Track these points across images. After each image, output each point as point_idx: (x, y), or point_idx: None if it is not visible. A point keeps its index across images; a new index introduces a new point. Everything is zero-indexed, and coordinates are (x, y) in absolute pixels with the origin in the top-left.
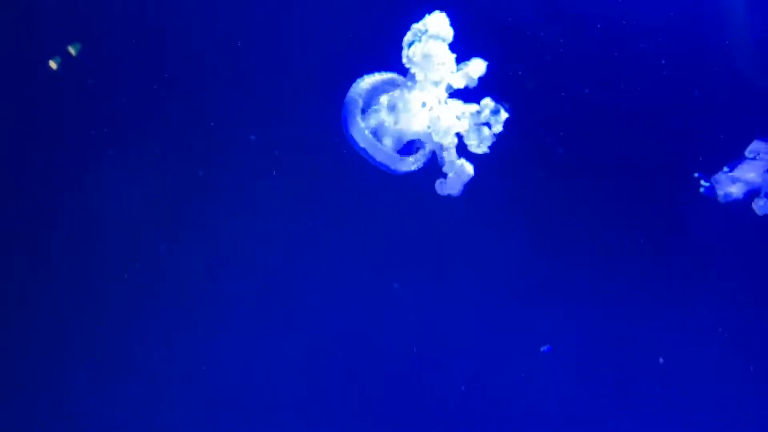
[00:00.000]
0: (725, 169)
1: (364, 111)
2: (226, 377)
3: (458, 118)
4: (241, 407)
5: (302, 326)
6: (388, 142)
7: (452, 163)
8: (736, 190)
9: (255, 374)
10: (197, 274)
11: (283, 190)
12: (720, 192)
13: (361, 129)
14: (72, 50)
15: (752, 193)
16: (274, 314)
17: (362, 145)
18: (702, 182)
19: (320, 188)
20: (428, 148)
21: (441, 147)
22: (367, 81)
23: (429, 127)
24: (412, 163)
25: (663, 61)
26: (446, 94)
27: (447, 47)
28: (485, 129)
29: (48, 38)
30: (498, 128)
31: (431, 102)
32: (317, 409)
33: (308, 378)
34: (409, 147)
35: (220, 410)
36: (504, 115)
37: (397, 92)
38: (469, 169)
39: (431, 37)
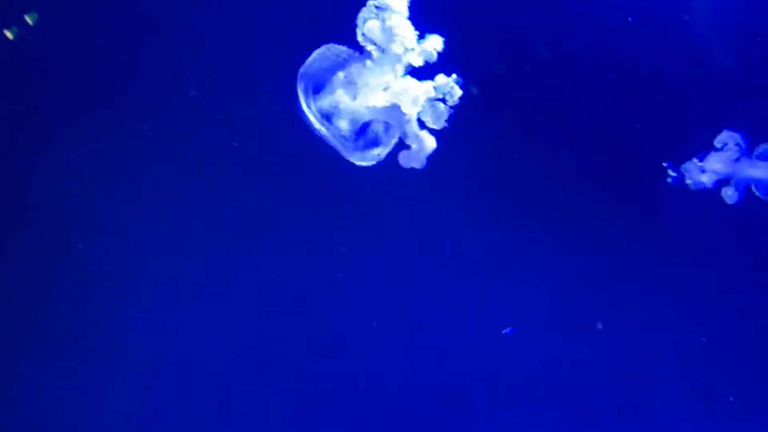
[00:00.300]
0: (695, 159)
1: (317, 90)
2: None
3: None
4: (197, 383)
5: (255, 298)
6: (343, 124)
7: (415, 135)
8: (705, 180)
9: (202, 346)
10: (145, 235)
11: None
12: (690, 181)
13: (312, 111)
14: (29, 20)
15: (722, 182)
16: (222, 283)
17: (315, 125)
18: (670, 172)
19: (271, 158)
20: (382, 128)
21: (402, 122)
22: (318, 56)
23: (391, 101)
24: (372, 156)
25: (634, 51)
26: (403, 69)
27: (408, 21)
28: (440, 105)
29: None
30: (453, 102)
31: (391, 78)
32: (276, 384)
33: (265, 352)
34: (364, 129)
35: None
36: (458, 91)
37: (354, 67)
38: (431, 141)
39: (392, 11)
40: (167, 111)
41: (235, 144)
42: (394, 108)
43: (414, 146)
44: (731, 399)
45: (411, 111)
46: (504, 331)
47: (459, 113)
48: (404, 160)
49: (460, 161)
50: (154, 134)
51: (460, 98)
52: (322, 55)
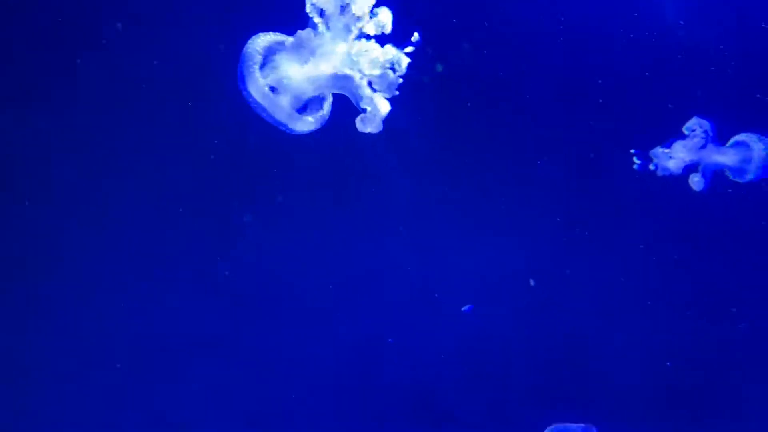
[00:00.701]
0: (660, 147)
1: (261, 66)
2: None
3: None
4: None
5: (193, 260)
6: (285, 100)
7: (370, 98)
8: (673, 166)
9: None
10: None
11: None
12: (658, 168)
13: (259, 85)
14: None
15: (690, 168)
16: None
17: (260, 101)
18: (635, 159)
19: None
20: (328, 103)
21: (353, 88)
22: (266, 38)
23: (341, 69)
24: (311, 123)
25: (603, 35)
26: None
27: None
28: (390, 72)
29: None
30: (401, 71)
31: (345, 44)
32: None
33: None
34: (305, 107)
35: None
36: (406, 60)
37: (302, 39)
38: (385, 104)
39: None
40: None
41: (190, 104)
42: (344, 77)
43: (369, 109)
44: (668, 364)
45: (370, 72)
46: (463, 309)
47: (420, 86)
48: (361, 124)
49: (420, 131)
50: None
51: (425, 72)
52: (266, 35)
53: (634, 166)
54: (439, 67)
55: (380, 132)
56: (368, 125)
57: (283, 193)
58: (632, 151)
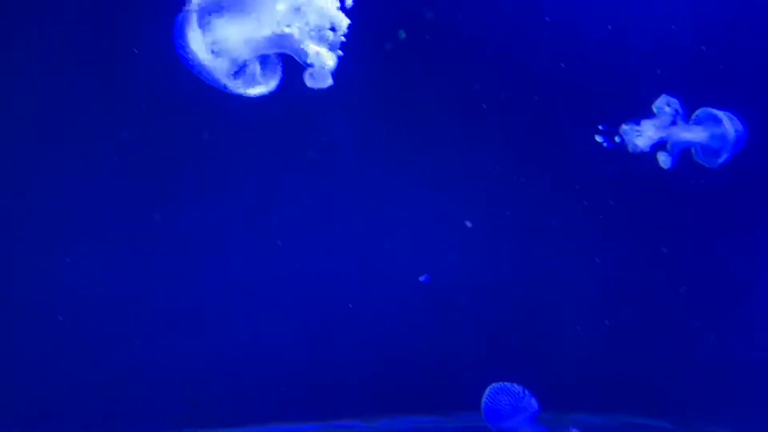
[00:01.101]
0: (624, 124)
1: (201, 25)
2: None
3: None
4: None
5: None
6: (223, 64)
7: (315, 53)
8: (641, 143)
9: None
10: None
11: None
12: (625, 143)
13: (196, 45)
14: None
15: (658, 146)
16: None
17: (198, 62)
18: (597, 137)
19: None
20: (259, 70)
21: (295, 46)
22: None
23: (283, 27)
24: (257, 85)
25: (574, 15)
26: None
27: None
28: (329, 33)
29: None
30: (342, 32)
31: (284, 5)
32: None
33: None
34: (243, 69)
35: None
36: (346, 20)
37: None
38: (331, 57)
39: None
40: None
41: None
42: (284, 36)
43: (316, 64)
44: (606, 322)
45: (316, 23)
46: (420, 278)
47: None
48: (310, 80)
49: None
50: None
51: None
52: None
53: (603, 143)
54: (402, 35)
55: (338, 94)
56: (316, 80)
57: (233, 155)
58: (600, 127)
